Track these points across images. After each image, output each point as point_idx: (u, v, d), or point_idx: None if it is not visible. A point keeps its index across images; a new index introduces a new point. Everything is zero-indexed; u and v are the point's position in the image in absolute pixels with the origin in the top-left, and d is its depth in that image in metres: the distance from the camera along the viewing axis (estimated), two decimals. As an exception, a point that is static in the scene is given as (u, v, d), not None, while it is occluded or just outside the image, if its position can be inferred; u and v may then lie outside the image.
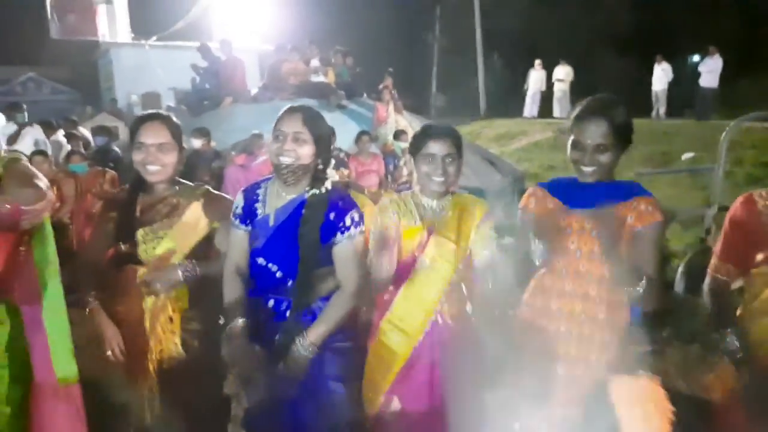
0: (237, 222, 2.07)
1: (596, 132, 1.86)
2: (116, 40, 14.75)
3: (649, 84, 13.69)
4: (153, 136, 2.10)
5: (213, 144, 6.39)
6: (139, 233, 2.13)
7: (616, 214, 1.89)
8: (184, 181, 2.27)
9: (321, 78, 8.61)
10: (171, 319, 2.14)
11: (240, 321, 1.97)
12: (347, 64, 9.27)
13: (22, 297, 1.80)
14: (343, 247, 1.99)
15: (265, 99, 8.30)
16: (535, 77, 14.89)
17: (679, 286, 4.44)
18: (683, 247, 5.41)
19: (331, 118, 7.47)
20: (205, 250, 2.20)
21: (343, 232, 1.98)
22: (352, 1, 15.60)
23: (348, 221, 1.99)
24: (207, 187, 2.29)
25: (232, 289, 2.06)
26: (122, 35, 14.47)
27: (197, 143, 6.23)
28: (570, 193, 1.99)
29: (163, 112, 2.25)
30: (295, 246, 1.97)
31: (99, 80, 13.27)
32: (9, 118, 6.52)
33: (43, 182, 1.71)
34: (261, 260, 2.02)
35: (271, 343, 1.99)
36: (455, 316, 2.13)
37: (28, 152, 5.53)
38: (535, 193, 2.08)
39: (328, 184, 2.04)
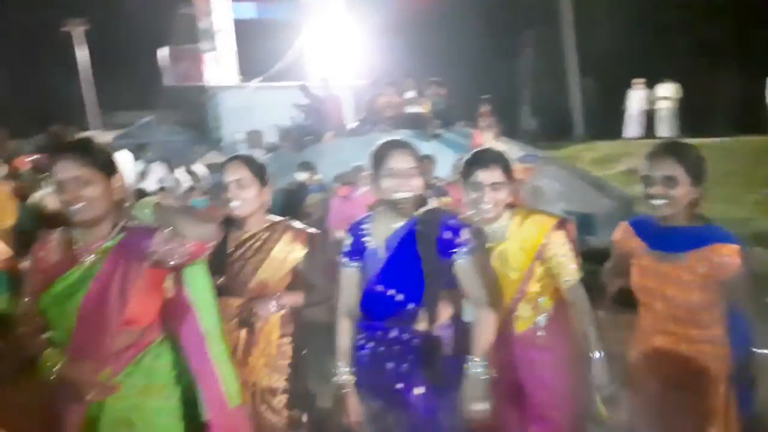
0: (347, 259, 2.13)
1: (664, 164, 1.92)
2: (222, 83, 15.87)
3: (764, 99, 12.62)
4: (232, 173, 2.26)
5: (318, 177, 6.63)
6: (233, 267, 2.24)
7: (687, 261, 1.91)
8: (274, 216, 2.40)
9: (416, 109, 8.73)
10: (264, 351, 2.22)
11: (349, 377, 2.06)
12: (441, 93, 9.36)
13: (184, 332, 1.90)
14: (466, 261, 2.02)
15: (363, 132, 8.55)
16: (637, 96, 14.21)
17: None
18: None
19: (428, 147, 7.57)
20: (294, 282, 2.32)
21: (462, 247, 2.01)
22: (442, 32, 15.83)
23: (465, 236, 2.02)
24: (292, 222, 2.40)
25: (344, 332, 2.12)
26: (227, 79, 15.53)
27: (302, 176, 6.50)
28: (652, 234, 2.03)
29: (242, 153, 2.45)
30: (413, 269, 2.01)
31: (208, 121, 14.28)
32: (137, 157, 7.16)
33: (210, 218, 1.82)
34: (379, 287, 2.06)
35: (394, 367, 2.02)
36: (522, 329, 2.19)
37: (153, 189, 6.02)
38: (622, 230, 2.14)
39: (430, 205, 2.10)
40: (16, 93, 14.66)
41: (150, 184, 6.65)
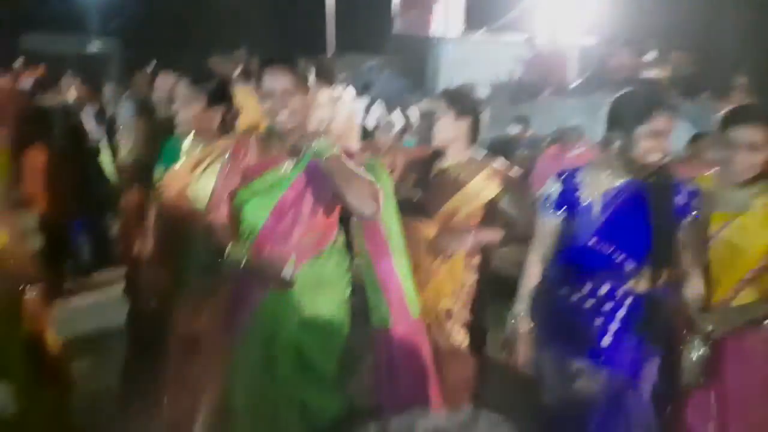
0: (552, 209, 2.07)
1: None
2: (445, 35, 16.09)
3: None
4: (429, 105, 2.52)
5: (531, 132, 6.47)
6: (430, 190, 2.37)
7: None
8: (479, 153, 2.52)
9: (654, 74, 7.91)
10: (448, 276, 2.33)
11: (527, 320, 2.05)
12: (685, 60, 8.33)
13: (372, 247, 2.07)
14: (693, 228, 1.93)
15: (586, 93, 8.04)
16: None
17: None
18: None
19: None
20: (486, 219, 2.38)
21: (693, 213, 1.93)
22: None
23: (697, 202, 1.95)
24: (495, 160, 2.47)
25: (532, 277, 2.10)
26: (452, 30, 15.67)
27: (515, 130, 6.38)
28: None
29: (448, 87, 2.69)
30: (638, 228, 1.92)
31: (427, 70, 14.65)
32: (363, 94, 7.74)
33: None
34: (594, 242, 1.98)
35: (603, 323, 1.96)
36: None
37: (371, 126, 6.45)
38: None
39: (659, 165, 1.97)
40: (264, 22, 16.38)
41: (369, 121, 7.14)
